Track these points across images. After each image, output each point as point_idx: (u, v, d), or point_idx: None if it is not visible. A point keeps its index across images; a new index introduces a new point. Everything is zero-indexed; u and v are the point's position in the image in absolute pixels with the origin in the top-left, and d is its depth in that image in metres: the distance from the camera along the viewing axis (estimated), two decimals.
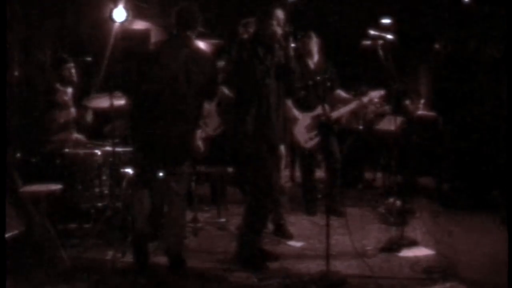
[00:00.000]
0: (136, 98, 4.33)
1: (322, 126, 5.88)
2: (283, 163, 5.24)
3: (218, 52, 6.04)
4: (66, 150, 5.34)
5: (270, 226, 5.24)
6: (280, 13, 4.30)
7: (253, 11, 4.45)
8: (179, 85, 4.14)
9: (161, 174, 4.47)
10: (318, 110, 5.92)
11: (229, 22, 5.14)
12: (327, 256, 4.09)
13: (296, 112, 5.97)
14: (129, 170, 4.68)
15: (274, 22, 4.27)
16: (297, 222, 5.87)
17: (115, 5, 4.62)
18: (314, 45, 6.09)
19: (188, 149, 4.30)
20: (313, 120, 5.98)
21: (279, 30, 4.27)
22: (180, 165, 4.29)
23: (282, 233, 5.22)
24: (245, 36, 4.91)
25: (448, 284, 3.87)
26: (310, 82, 5.92)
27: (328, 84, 6.09)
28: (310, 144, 6.03)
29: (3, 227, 4.02)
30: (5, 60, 5.04)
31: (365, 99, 6.13)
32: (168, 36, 4.40)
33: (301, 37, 6.09)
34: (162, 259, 4.46)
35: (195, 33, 4.27)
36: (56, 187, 4.75)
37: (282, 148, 4.90)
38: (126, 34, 4.40)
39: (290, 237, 5.20)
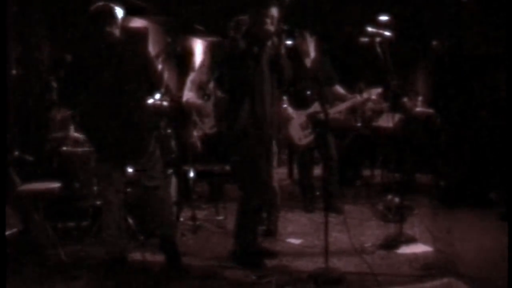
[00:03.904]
0: (82, 101, 4.30)
1: (318, 124, 5.90)
2: (275, 160, 5.21)
3: (214, 49, 6.06)
4: (64, 148, 5.34)
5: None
6: (274, 11, 4.29)
7: (249, 8, 4.44)
8: (111, 82, 4.09)
9: (130, 170, 4.48)
10: (314, 108, 5.93)
11: (225, 19, 5.12)
12: (326, 253, 4.09)
13: (290, 110, 6.00)
14: (128, 169, 4.68)
15: (268, 20, 4.27)
16: (295, 219, 5.87)
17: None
18: (309, 44, 6.09)
19: (141, 143, 4.23)
20: (308, 117, 5.99)
21: (272, 28, 4.27)
22: (137, 159, 4.26)
23: (269, 229, 5.19)
24: (235, 34, 4.91)
25: (445, 280, 3.87)
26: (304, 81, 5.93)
27: (326, 80, 6.10)
28: (305, 141, 6.04)
29: (3, 227, 4.02)
30: (5, 61, 5.04)
31: (362, 97, 6.13)
32: (90, 37, 4.35)
33: (296, 36, 6.10)
34: (159, 257, 4.46)
35: (115, 27, 4.24)
36: (54, 185, 4.74)
37: (274, 145, 4.89)
38: (124, 32, 4.39)
39: (273, 234, 5.18)
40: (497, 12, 6.55)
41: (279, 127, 4.93)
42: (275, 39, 4.31)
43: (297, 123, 6.03)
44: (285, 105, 5.97)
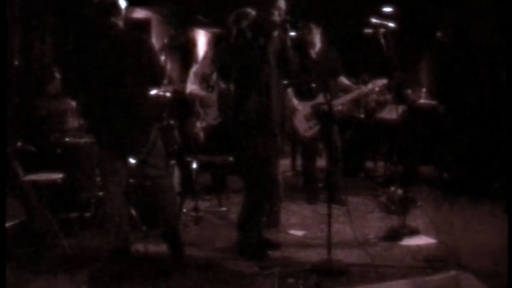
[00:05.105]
0: (84, 91, 4.31)
1: (323, 115, 5.88)
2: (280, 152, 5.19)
3: (218, 41, 6.05)
4: (67, 139, 5.33)
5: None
6: (281, 2, 4.29)
7: (253, 1, 4.43)
8: (114, 73, 4.09)
9: (132, 161, 4.50)
10: (318, 99, 5.91)
11: (228, 10, 5.10)
12: (328, 244, 4.09)
13: (295, 101, 5.99)
14: (131, 160, 4.68)
15: (275, 11, 4.26)
16: (298, 211, 5.87)
17: None
18: (315, 35, 6.07)
19: (142, 134, 4.23)
20: (313, 109, 5.97)
21: (278, 19, 4.26)
22: (138, 150, 4.26)
23: (271, 220, 5.17)
24: (236, 27, 4.89)
25: (453, 272, 3.85)
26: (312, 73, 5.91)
27: (331, 71, 6.09)
28: (310, 133, 6.03)
29: (3, 219, 4.02)
30: (5, 57, 5.03)
31: (367, 88, 6.11)
32: (93, 26, 4.35)
33: (301, 28, 6.07)
34: (162, 248, 4.46)
35: (119, 19, 4.23)
36: (57, 176, 4.74)
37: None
38: (127, 23, 4.39)
39: (275, 226, 5.17)
40: (502, 2, 6.50)
41: (284, 118, 4.92)
42: (281, 30, 4.30)
43: (302, 114, 6.01)
44: (290, 96, 5.96)
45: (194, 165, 5.69)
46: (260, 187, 4.35)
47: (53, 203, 4.92)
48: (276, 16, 4.27)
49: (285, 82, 5.24)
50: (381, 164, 7.47)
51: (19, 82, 6.01)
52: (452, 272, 3.86)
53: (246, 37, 4.31)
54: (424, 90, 7.56)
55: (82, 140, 5.32)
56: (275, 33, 4.35)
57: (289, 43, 4.35)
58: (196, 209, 5.53)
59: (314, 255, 4.39)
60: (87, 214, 5.15)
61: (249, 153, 4.35)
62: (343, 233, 4.96)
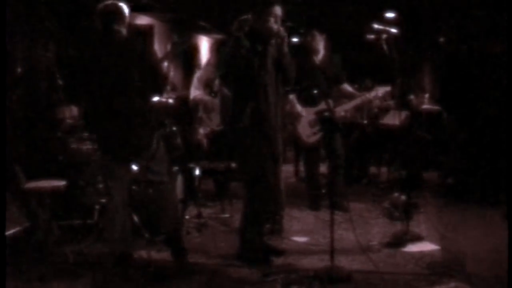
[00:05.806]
0: (87, 98, 4.33)
1: (325, 122, 5.87)
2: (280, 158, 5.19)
3: (220, 47, 6.07)
4: (70, 146, 5.34)
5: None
6: (277, 9, 4.31)
7: (252, 6, 4.44)
8: (116, 80, 4.10)
9: (134, 167, 4.51)
10: (322, 106, 5.91)
11: (230, 16, 5.12)
12: (331, 251, 4.08)
13: (299, 108, 5.99)
14: (134, 166, 4.67)
15: (271, 18, 4.28)
16: (301, 217, 5.86)
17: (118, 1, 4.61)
18: (318, 42, 6.07)
19: (144, 140, 4.23)
20: (316, 115, 5.97)
21: (275, 26, 4.27)
22: (140, 156, 4.26)
23: (274, 226, 5.16)
24: (240, 33, 4.91)
25: (452, 284, 3.83)
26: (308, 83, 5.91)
27: (334, 78, 6.09)
28: (313, 139, 6.02)
29: (3, 226, 4.02)
30: (5, 59, 5.04)
31: (370, 95, 6.11)
32: (98, 34, 4.37)
33: (303, 34, 6.08)
34: (165, 254, 4.46)
35: (123, 26, 4.25)
36: (59, 183, 4.74)
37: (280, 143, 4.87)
38: (129, 30, 4.40)
39: (279, 232, 5.16)
40: (501, 9, 6.50)
41: (284, 125, 4.92)
42: (279, 38, 4.31)
43: (305, 120, 6.01)
44: (294, 103, 5.96)
45: (197, 172, 5.69)
46: (258, 194, 4.35)
47: (56, 210, 4.93)
48: (273, 23, 4.28)
49: (287, 89, 5.25)
50: (384, 170, 7.46)
51: (22, 88, 6.03)
52: (451, 284, 3.84)
53: (244, 44, 4.31)
54: (427, 95, 7.57)
55: (85, 147, 5.32)
56: (273, 40, 4.36)
57: (286, 50, 4.36)
58: (199, 215, 5.53)
59: (317, 262, 4.38)
60: (90, 221, 5.14)
61: (247, 160, 4.35)
62: (346, 240, 4.94)
